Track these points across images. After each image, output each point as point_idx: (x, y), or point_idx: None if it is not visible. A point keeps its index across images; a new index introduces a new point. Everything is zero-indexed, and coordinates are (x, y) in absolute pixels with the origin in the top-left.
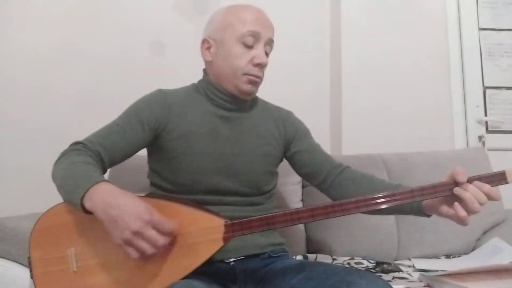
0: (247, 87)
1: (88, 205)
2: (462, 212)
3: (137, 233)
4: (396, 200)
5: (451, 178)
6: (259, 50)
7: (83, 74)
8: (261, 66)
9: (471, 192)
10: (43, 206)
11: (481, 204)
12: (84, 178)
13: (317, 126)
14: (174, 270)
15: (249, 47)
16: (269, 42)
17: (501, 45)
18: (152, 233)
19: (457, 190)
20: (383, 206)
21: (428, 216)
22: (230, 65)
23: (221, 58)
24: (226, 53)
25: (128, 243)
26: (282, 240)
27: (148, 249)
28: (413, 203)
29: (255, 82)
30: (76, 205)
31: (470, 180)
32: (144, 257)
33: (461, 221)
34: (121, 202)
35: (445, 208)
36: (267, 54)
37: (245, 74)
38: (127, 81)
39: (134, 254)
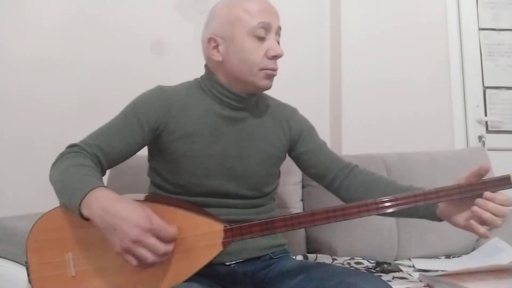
0: (264, 83)
1: (85, 212)
2: (481, 229)
3: (136, 242)
4: (398, 205)
5: (469, 178)
6: (272, 41)
7: (83, 75)
8: (277, 58)
9: (492, 211)
10: (43, 206)
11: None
12: (81, 184)
13: (317, 126)
14: (173, 275)
15: (261, 39)
16: (278, 31)
17: (501, 45)
18: (152, 241)
19: (476, 210)
20: (385, 211)
21: (441, 221)
22: (245, 62)
23: (234, 56)
24: (238, 50)
25: (128, 251)
26: (284, 240)
27: (149, 257)
28: (427, 208)
29: (273, 76)
30: (74, 211)
31: (477, 188)
32: (144, 265)
33: (483, 236)
34: (119, 209)
35: (461, 221)
36: (278, 43)
37: (261, 69)
38: (127, 81)
39: (133, 261)
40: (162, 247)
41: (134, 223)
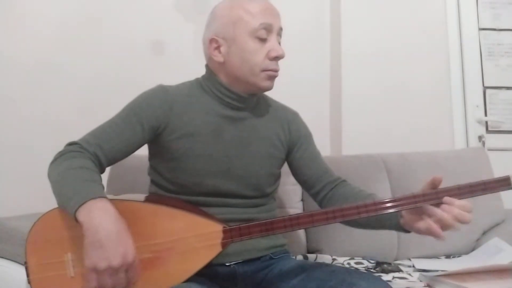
0: (266, 84)
1: (81, 217)
2: (441, 233)
3: (111, 269)
4: (397, 205)
5: (424, 190)
6: (273, 42)
7: (83, 76)
8: (278, 58)
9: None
10: (42, 206)
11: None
12: (81, 189)
13: (317, 126)
14: (173, 275)
15: (262, 40)
16: (280, 32)
17: (501, 45)
18: (122, 276)
19: (442, 215)
20: (385, 212)
21: (408, 232)
22: (246, 63)
23: (235, 56)
24: (240, 51)
25: (97, 272)
26: (284, 241)
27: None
28: (392, 219)
29: (274, 77)
30: (70, 213)
31: (477, 189)
32: None
33: (441, 239)
34: (113, 231)
35: (422, 226)
36: (279, 44)
37: (263, 70)
38: (127, 81)
39: (93, 283)
40: (124, 286)
41: (122, 252)
